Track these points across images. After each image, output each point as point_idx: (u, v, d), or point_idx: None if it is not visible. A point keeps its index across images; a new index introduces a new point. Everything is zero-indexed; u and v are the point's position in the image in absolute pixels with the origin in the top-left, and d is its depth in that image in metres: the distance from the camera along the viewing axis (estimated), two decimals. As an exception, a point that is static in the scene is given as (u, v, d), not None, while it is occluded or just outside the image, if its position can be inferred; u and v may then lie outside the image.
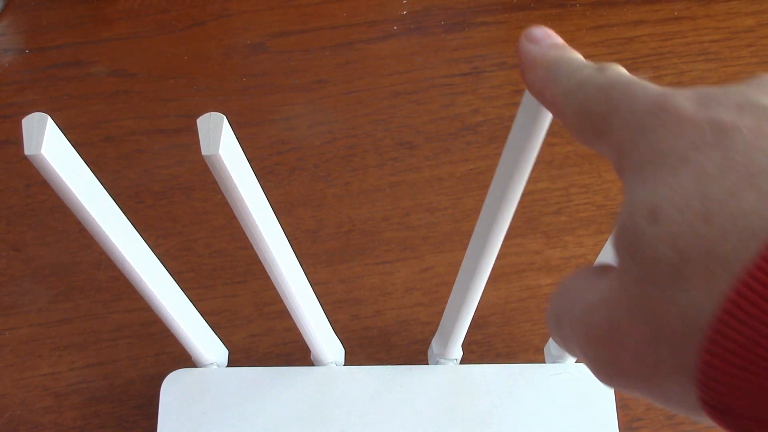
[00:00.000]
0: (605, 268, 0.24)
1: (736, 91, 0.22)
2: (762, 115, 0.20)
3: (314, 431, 0.46)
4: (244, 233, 0.58)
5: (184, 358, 0.49)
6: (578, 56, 0.27)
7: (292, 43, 0.66)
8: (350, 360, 0.53)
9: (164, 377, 0.48)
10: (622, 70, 0.25)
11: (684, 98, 0.22)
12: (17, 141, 0.61)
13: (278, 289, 0.40)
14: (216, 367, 0.48)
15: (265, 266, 0.38)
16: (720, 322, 0.18)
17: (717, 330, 0.18)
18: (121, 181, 0.60)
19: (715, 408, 0.19)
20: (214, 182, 0.60)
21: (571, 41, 0.74)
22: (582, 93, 0.25)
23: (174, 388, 0.47)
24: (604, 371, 0.23)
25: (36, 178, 0.59)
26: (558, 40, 0.28)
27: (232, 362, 0.51)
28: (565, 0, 0.68)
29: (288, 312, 0.56)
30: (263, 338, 0.54)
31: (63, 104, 0.63)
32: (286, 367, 0.49)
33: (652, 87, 0.23)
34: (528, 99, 0.30)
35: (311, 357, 0.48)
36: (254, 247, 0.36)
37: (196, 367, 0.48)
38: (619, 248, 0.21)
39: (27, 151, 0.30)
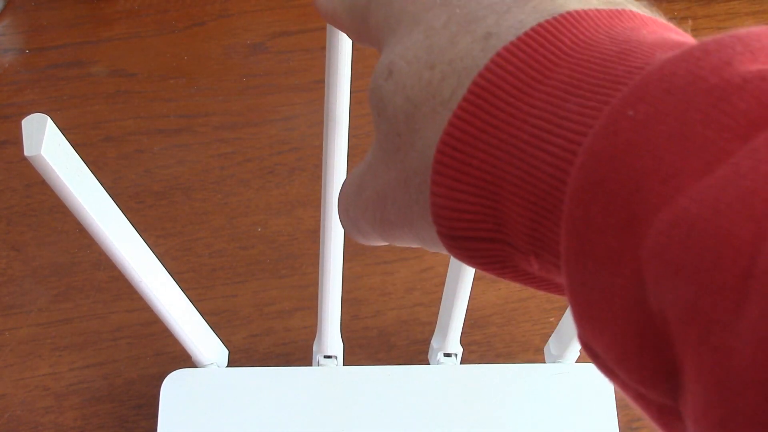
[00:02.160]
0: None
1: None
2: None
3: (314, 431, 0.46)
4: (244, 233, 0.58)
5: (184, 358, 0.49)
6: None
7: (292, 43, 0.66)
8: (350, 360, 0.53)
9: (164, 377, 0.48)
10: None
11: None
12: (17, 141, 0.61)
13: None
14: (216, 367, 0.48)
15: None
16: (439, 152, 0.20)
17: (437, 160, 0.20)
18: (121, 181, 0.60)
19: (445, 235, 0.21)
20: (214, 182, 0.60)
21: (571, 41, 0.73)
22: None
23: (174, 389, 0.47)
24: (380, 230, 0.24)
25: (36, 178, 0.59)
26: None
27: (232, 362, 0.51)
28: (565, 0, 0.68)
29: (288, 312, 0.56)
30: (263, 338, 0.54)
31: (63, 104, 0.63)
32: (286, 367, 0.49)
33: None
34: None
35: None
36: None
37: (196, 367, 0.48)
38: (372, 110, 0.23)
39: (27, 152, 0.30)
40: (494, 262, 0.21)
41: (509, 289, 0.56)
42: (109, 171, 0.60)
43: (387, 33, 0.24)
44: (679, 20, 0.67)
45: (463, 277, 0.44)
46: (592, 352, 0.19)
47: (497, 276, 0.22)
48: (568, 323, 0.48)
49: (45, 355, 0.54)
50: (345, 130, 0.37)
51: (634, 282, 0.16)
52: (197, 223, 0.58)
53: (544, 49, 0.20)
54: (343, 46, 0.33)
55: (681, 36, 0.21)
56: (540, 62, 0.20)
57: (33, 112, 0.31)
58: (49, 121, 0.31)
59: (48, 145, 0.31)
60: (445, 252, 0.22)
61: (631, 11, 0.21)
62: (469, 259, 0.21)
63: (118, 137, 0.62)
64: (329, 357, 0.49)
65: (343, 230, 0.42)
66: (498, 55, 0.20)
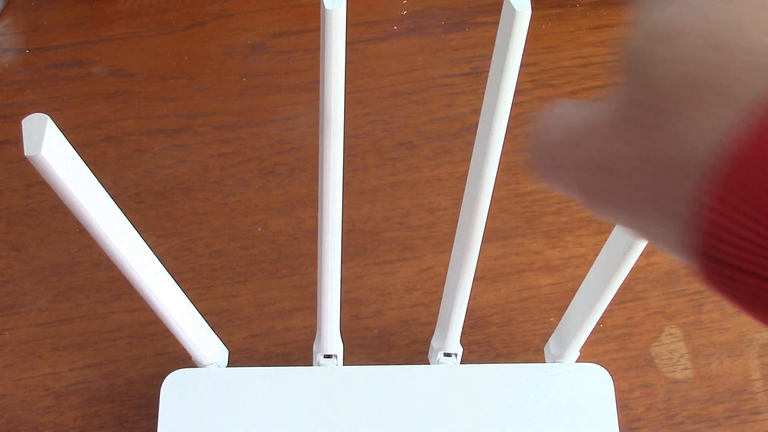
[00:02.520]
0: (592, 101, 0.22)
1: None
2: None
3: (314, 431, 0.46)
4: (244, 233, 0.58)
5: (184, 358, 0.49)
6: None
7: (292, 43, 0.66)
8: (350, 360, 0.53)
9: (164, 377, 0.48)
10: None
11: None
12: (17, 141, 0.61)
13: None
14: (216, 367, 0.48)
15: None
16: (734, 162, 0.16)
17: (731, 170, 0.17)
18: (121, 181, 0.60)
19: (709, 256, 0.17)
20: (215, 182, 0.60)
21: (571, 41, 0.74)
22: None
23: (174, 389, 0.47)
24: (594, 199, 0.21)
25: (36, 178, 0.59)
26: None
27: (232, 362, 0.51)
28: (565, 0, 0.68)
29: (288, 312, 0.56)
30: (263, 338, 0.54)
31: (63, 104, 0.63)
32: (286, 367, 0.49)
33: None
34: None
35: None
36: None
37: (196, 367, 0.48)
38: (625, 71, 0.20)
39: (27, 152, 0.30)
40: (756, 296, 0.18)
41: (509, 289, 0.56)
42: (109, 171, 0.60)
43: None
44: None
45: (463, 277, 0.44)
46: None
47: (758, 320, 0.18)
48: (567, 323, 0.48)
49: (45, 355, 0.54)
50: (340, 131, 0.37)
51: None
52: (197, 223, 0.58)
53: None
54: (338, 47, 0.33)
55: None
56: None
57: (33, 112, 0.31)
58: (49, 121, 0.31)
59: (48, 145, 0.31)
60: (671, 253, 0.19)
61: None
62: (729, 290, 0.18)
63: (118, 137, 0.62)
64: (329, 356, 0.49)
65: (340, 230, 0.42)
66: None
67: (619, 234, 0.41)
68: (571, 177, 0.22)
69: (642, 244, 0.40)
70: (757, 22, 0.18)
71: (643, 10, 0.20)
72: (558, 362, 0.49)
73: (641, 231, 0.20)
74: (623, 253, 0.41)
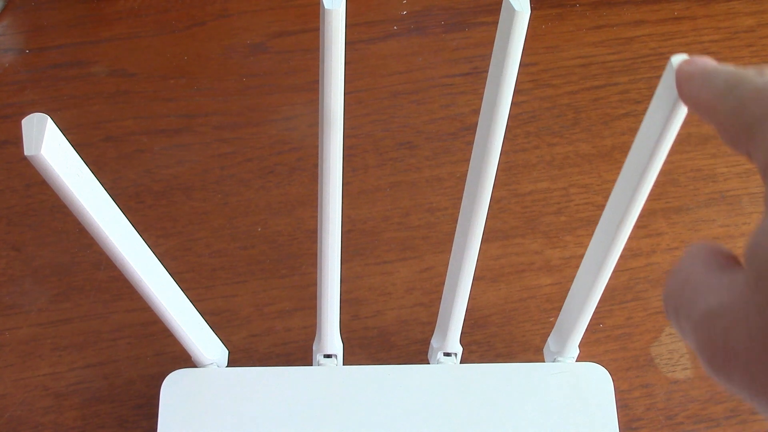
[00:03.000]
0: (728, 261, 0.23)
1: None
2: None
3: (314, 431, 0.46)
4: (244, 233, 0.58)
5: (184, 358, 0.49)
6: (734, 67, 0.27)
7: (292, 43, 0.66)
8: (350, 360, 0.53)
9: (164, 377, 0.48)
10: None
11: None
12: (17, 141, 0.61)
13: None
14: (216, 367, 0.48)
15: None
16: None
17: None
18: (121, 181, 0.60)
19: None
20: (215, 182, 0.60)
21: (571, 41, 0.74)
22: (738, 92, 0.24)
23: (174, 389, 0.47)
24: (712, 369, 0.23)
25: (36, 178, 0.59)
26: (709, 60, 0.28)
27: (232, 362, 0.51)
28: (565, 0, 0.68)
29: (288, 312, 0.56)
30: (263, 338, 0.54)
31: (63, 104, 0.63)
32: (286, 367, 0.49)
33: None
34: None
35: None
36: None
37: (196, 367, 0.48)
38: (752, 265, 0.21)
39: (27, 152, 0.30)
40: None
41: (509, 289, 0.56)
42: (109, 171, 0.60)
43: None
44: (679, 20, 0.67)
45: (463, 277, 0.44)
46: None
47: None
48: (564, 318, 0.48)
49: (45, 355, 0.54)
50: (340, 131, 0.37)
51: None
52: (197, 223, 0.58)
53: None
54: (337, 47, 0.33)
55: None
56: None
57: (33, 112, 0.31)
58: (49, 121, 0.31)
59: (48, 145, 0.31)
60: None
61: None
62: None
63: (118, 137, 0.62)
64: (329, 356, 0.49)
65: (340, 230, 0.42)
66: None
67: (605, 225, 0.41)
68: (693, 344, 0.24)
69: (627, 233, 0.41)
70: None
71: None
72: (558, 360, 0.49)
73: (753, 401, 0.22)
74: (611, 243, 0.41)
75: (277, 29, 0.67)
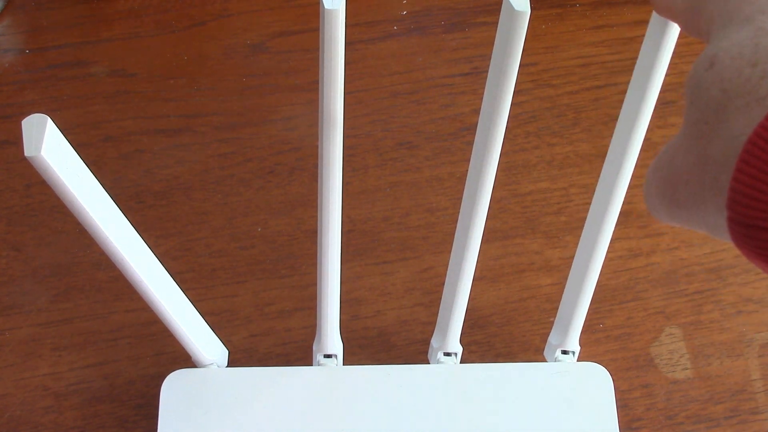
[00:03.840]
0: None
1: None
2: None
3: (314, 431, 0.46)
4: (244, 233, 0.58)
5: (184, 358, 0.49)
6: None
7: (292, 43, 0.66)
8: (350, 360, 0.53)
9: (164, 377, 0.48)
10: None
11: None
12: (17, 141, 0.61)
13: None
14: (216, 367, 0.48)
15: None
16: (751, 142, 0.21)
17: (747, 149, 0.21)
18: (121, 181, 0.60)
19: (739, 222, 0.22)
20: (215, 182, 0.60)
21: (571, 41, 0.74)
22: None
23: (174, 389, 0.47)
24: (667, 209, 0.26)
25: (36, 178, 0.59)
26: None
27: (232, 362, 0.51)
28: (565, 0, 0.68)
29: (288, 312, 0.56)
30: (263, 338, 0.54)
31: (63, 104, 0.63)
32: (286, 367, 0.49)
33: None
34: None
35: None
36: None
37: (196, 367, 0.48)
38: (686, 97, 0.25)
39: (27, 153, 0.30)
40: None
41: (509, 289, 0.56)
42: (109, 171, 0.60)
43: (717, 27, 0.25)
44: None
45: (463, 277, 0.44)
46: None
47: None
48: (563, 311, 0.48)
49: (45, 355, 0.54)
50: (340, 131, 0.37)
51: None
52: (197, 223, 0.58)
53: None
54: (337, 47, 0.33)
55: None
56: None
57: (33, 112, 0.31)
58: (49, 122, 0.31)
59: (48, 145, 0.31)
60: (727, 240, 0.23)
61: None
62: (757, 250, 0.22)
63: (118, 137, 0.62)
64: (329, 356, 0.49)
65: (340, 230, 0.42)
66: None
67: (594, 215, 0.42)
68: (656, 197, 0.27)
69: (614, 219, 0.41)
70: None
71: (706, 48, 0.25)
72: (558, 359, 0.49)
73: (702, 225, 0.25)
74: (599, 232, 0.41)
75: (277, 29, 0.67)
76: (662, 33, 0.36)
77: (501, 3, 0.32)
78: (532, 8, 0.32)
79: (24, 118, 0.31)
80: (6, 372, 0.53)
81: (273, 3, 0.68)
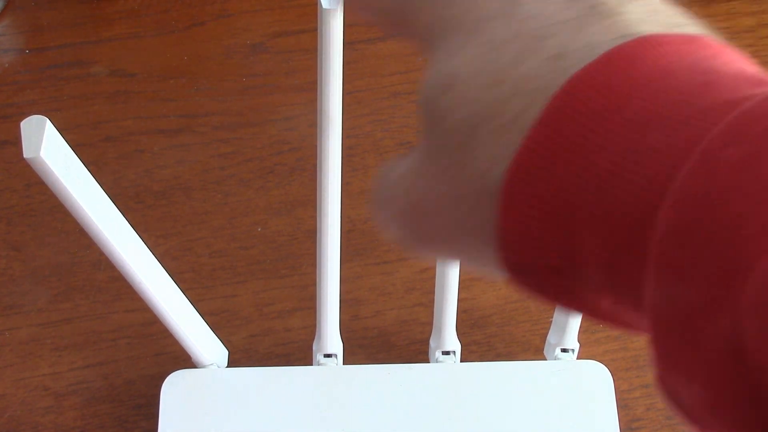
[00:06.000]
0: (411, 149, 0.24)
1: None
2: None
3: (314, 431, 0.46)
4: (244, 233, 0.58)
5: (184, 359, 0.49)
6: None
7: (292, 43, 0.66)
8: (350, 360, 0.53)
9: (164, 377, 0.48)
10: None
11: None
12: (17, 141, 0.60)
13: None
14: (216, 367, 0.48)
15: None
16: (511, 175, 0.19)
17: (509, 184, 0.19)
18: (121, 181, 0.60)
19: (511, 262, 0.20)
20: (215, 182, 0.60)
21: (571, 41, 0.73)
22: None
23: (174, 389, 0.47)
24: (415, 239, 0.23)
25: (36, 178, 0.59)
26: None
27: (232, 362, 0.51)
28: (565, 0, 0.68)
29: (288, 312, 0.56)
30: (263, 338, 0.54)
31: (63, 104, 0.63)
32: (286, 367, 0.49)
33: None
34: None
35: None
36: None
37: (196, 367, 0.48)
38: (421, 120, 0.22)
39: (26, 154, 0.30)
40: (560, 294, 0.20)
41: (509, 289, 0.56)
42: (109, 171, 0.60)
43: (439, 36, 0.23)
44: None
45: (451, 272, 0.44)
46: (675, 399, 0.17)
47: (558, 306, 0.21)
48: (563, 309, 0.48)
49: (45, 355, 0.54)
50: (338, 131, 0.37)
51: (733, 332, 0.15)
52: (197, 223, 0.58)
53: (622, 74, 0.19)
54: (335, 47, 0.33)
55: (754, 67, 0.20)
56: (618, 88, 0.18)
57: (33, 112, 0.31)
58: (48, 123, 0.31)
59: (47, 146, 0.31)
60: (495, 272, 0.21)
61: (704, 38, 0.20)
62: (530, 288, 0.20)
63: (118, 137, 0.62)
64: (329, 356, 0.49)
65: (340, 230, 0.42)
66: (573, 78, 0.19)
67: None
68: (396, 224, 0.24)
69: None
70: (530, 53, 0.20)
71: (432, 61, 0.22)
72: (558, 357, 0.49)
73: (463, 258, 0.22)
74: None
75: (277, 29, 0.67)
76: None
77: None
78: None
79: (24, 118, 0.31)
80: (6, 372, 0.53)
81: (273, 3, 0.68)
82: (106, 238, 0.36)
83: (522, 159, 0.19)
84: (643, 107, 0.18)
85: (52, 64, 0.65)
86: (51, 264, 0.57)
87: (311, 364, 0.49)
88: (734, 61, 0.20)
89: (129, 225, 0.38)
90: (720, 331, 0.15)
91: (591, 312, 0.21)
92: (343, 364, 0.49)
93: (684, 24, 0.21)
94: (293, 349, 0.54)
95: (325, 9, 0.31)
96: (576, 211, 0.18)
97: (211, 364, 0.48)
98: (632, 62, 0.19)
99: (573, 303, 0.21)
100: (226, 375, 0.48)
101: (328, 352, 0.48)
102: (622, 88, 0.18)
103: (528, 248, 0.19)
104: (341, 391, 0.48)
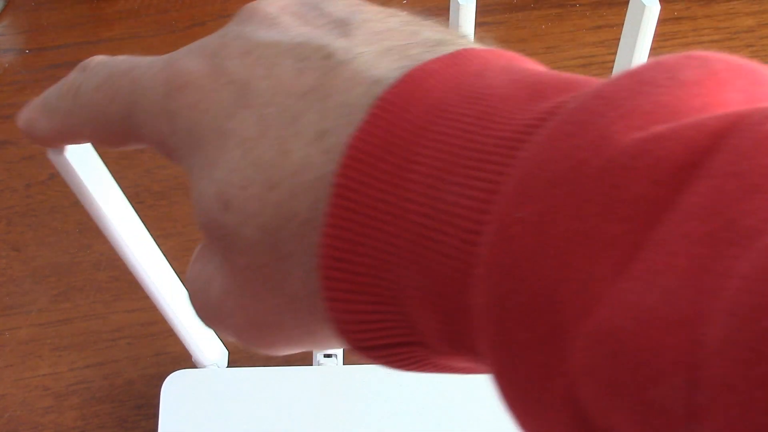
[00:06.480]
0: (202, 250, 0.23)
1: (234, 35, 0.21)
2: (267, 54, 0.20)
3: (314, 431, 0.46)
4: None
5: (184, 358, 0.49)
6: (60, 82, 0.25)
7: (292, 43, 0.66)
8: (350, 359, 0.53)
9: (164, 377, 0.48)
10: (104, 58, 0.24)
11: (190, 61, 0.21)
12: (17, 141, 0.61)
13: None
14: (216, 367, 0.49)
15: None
16: (324, 269, 0.18)
17: (325, 279, 0.18)
18: (121, 181, 0.59)
19: (358, 347, 0.19)
20: (214, 182, 0.60)
21: (571, 41, 0.74)
22: (83, 102, 0.23)
23: (175, 390, 0.47)
24: (262, 347, 0.23)
25: (36, 178, 0.59)
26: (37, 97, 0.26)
27: (232, 362, 0.51)
28: (565, 0, 0.68)
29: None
30: (263, 338, 0.54)
31: (63, 104, 0.63)
32: (286, 367, 0.49)
33: (153, 61, 0.23)
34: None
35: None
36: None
37: (196, 367, 0.48)
38: (211, 242, 0.21)
39: (50, 154, 0.30)
40: (412, 363, 0.20)
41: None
42: (109, 171, 0.60)
43: (188, 151, 0.21)
44: (679, 20, 0.67)
45: None
46: None
47: (418, 372, 0.20)
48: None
49: (45, 355, 0.54)
50: None
51: (567, 398, 0.14)
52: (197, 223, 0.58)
53: (395, 131, 0.17)
54: None
55: (526, 62, 0.19)
56: (396, 148, 0.17)
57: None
58: None
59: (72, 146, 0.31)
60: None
61: (466, 50, 0.19)
62: (386, 364, 0.20)
63: (118, 137, 0.62)
64: (329, 356, 0.49)
65: None
66: (346, 156, 0.17)
67: None
68: (240, 339, 0.23)
69: None
70: (292, 138, 0.18)
71: (189, 176, 0.21)
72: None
73: (314, 347, 0.22)
74: None
75: (277, 29, 0.67)
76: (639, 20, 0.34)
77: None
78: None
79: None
80: (6, 372, 0.53)
81: (273, 3, 0.68)
82: (120, 237, 0.36)
83: (327, 253, 0.18)
84: (430, 163, 0.17)
85: (52, 64, 0.65)
86: (51, 264, 0.57)
87: (311, 364, 0.49)
88: (499, 64, 0.19)
89: (142, 224, 0.39)
90: (556, 397, 0.15)
91: (447, 371, 0.21)
92: (343, 364, 0.49)
93: (442, 41, 0.19)
94: (293, 349, 0.54)
95: None
96: (397, 286, 0.18)
97: (212, 365, 0.48)
98: (400, 113, 0.17)
99: (427, 368, 0.20)
100: (226, 375, 0.48)
101: (328, 352, 0.48)
102: (400, 145, 0.17)
103: (366, 331, 0.19)
104: (341, 391, 0.48)
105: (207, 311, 0.23)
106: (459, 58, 0.18)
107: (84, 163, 0.32)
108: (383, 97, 0.18)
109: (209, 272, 0.22)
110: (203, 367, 0.48)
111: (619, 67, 0.34)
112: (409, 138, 0.17)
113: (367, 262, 0.18)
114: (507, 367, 0.16)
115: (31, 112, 0.25)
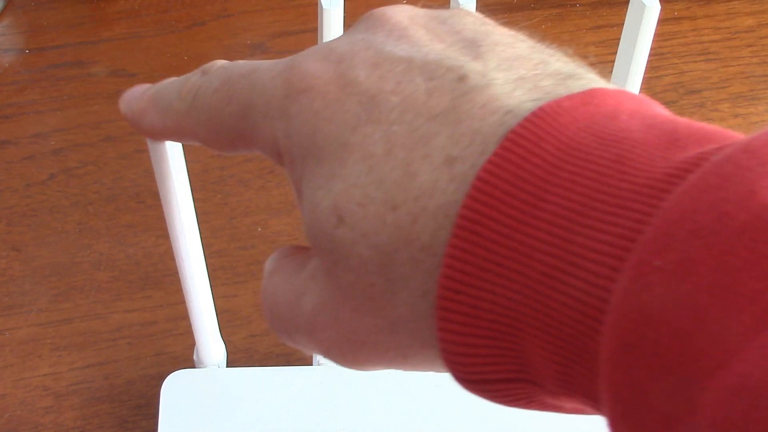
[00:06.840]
0: (303, 258, 0.22)
1: (364, 44, 0.20)
2: (397, 69, 0.19)
3: (314, 431, 0.46)
4: (244, 233, 0.58)
5: (185, 358, 0.49)
6: (175, 78, 0.25)
7: (292, 43, 0.66)
8: (350, 360, 0.53)
9: (164, 377, 0.48)
10: (225, 63, 0.24)
11: (314, 63, 0.21)
12: (17, 141, 0.61)
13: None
14: (216, 367, 0.49)
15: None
16: (441, 299, 0.18)
17: (442, 309, 0.18)
18: (121, 181, 0.60)
19: (464, 380, 0.19)
20: (215, 182, 0.60)
21: (571, 41, 0.74)
22: (200, 104, 0.23)
23: (175, 389, 0.47)
24: (352, 364, 0.22)
25: (36, 178, 0.59)
26: (147, 85, 0.26)
27: (231, 362, 0.51)
28: (565, 0, 0.68)
29: (288, 312, 0.56)
30: (263, 338, 0.54)
31: (63, 104, 0.63)
32: (286, 367, 0.49)
33: (274, 63, 0.22)
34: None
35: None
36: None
37: (195, 367, 0.48)
38: (318, 254, 0.20)
39: (150, 140, 0.31)
40: (519, 399, 0.20)
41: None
42: (109, 171, 0.60)
43: (302, 157, 0.20)
44: (679, 20, 0.67)
45: None
46: None
47: (523, 408, 0.20)
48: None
49: (45, 355, 0.54)
50: None
51: None
52: (197, 223, 0.58)
53: (527, 167, 0.17)
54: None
55: (656, 107, 0.19)
56: (527, 184, 0.17)
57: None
58: None
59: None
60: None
61: (599, 90, 0.18)
62: (491, 398, 0.20)
63: (118, 137, 0.62)
64: (329, 357, 0.49)
65: None
66: (475, 187, 0.17)
67: None
68: (328, 355, 0.22)
69: None
70: (419, 160, 0.18)
71: (302, 186, 0.20)
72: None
73: (403, 369, 0.22)
74: None
75: (277, 29, 0.67)
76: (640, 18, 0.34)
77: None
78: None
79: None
80: (6, 372, 0.53)
81: (273, 3, 0.68)
82: (183, 234, 0.37)
83: (448, 281, 0.18)
84: (560, 203, 0.17)
85: (52, 64, 0.65)
86: (51, 264, 0.57)
87: (311, 364, 0.50)
88: (634, 108, 0.18)
89: (197, 223, 0.39)
90: None
91: (554, 410, 0.20)
92: (343, 364, 0.49)
93: (573, 75, 0.19)
94: (293, 349, 0.54)
95: (326, 9, 0.31)
96: (518, 323, 0.17)
97: (212, 364, 0.48)
98: (533, 148, 0.17)
99: (533, 406, 0.20)
100: (227, 375, 0.48)
101: (328, 352, 0.48)
102: (532, 181, 0.17)
103: (476, 365, 0.18)
104: (341, 391, 0.48)
105: (294, 323, 0.22)
106: (592, 97, 0.18)
107: (174, 156, 0.33)
108: (516, 130, 0.17)
109: (300, 284, 0.22)
110: (203, 366, 0.48)
111: (619, 67, 0.34)
112: (540, 175, 0.17)
113: (487, 297, 0.17)
114: (630, 415, 0.15)
115: (142, 103, 0.26)
